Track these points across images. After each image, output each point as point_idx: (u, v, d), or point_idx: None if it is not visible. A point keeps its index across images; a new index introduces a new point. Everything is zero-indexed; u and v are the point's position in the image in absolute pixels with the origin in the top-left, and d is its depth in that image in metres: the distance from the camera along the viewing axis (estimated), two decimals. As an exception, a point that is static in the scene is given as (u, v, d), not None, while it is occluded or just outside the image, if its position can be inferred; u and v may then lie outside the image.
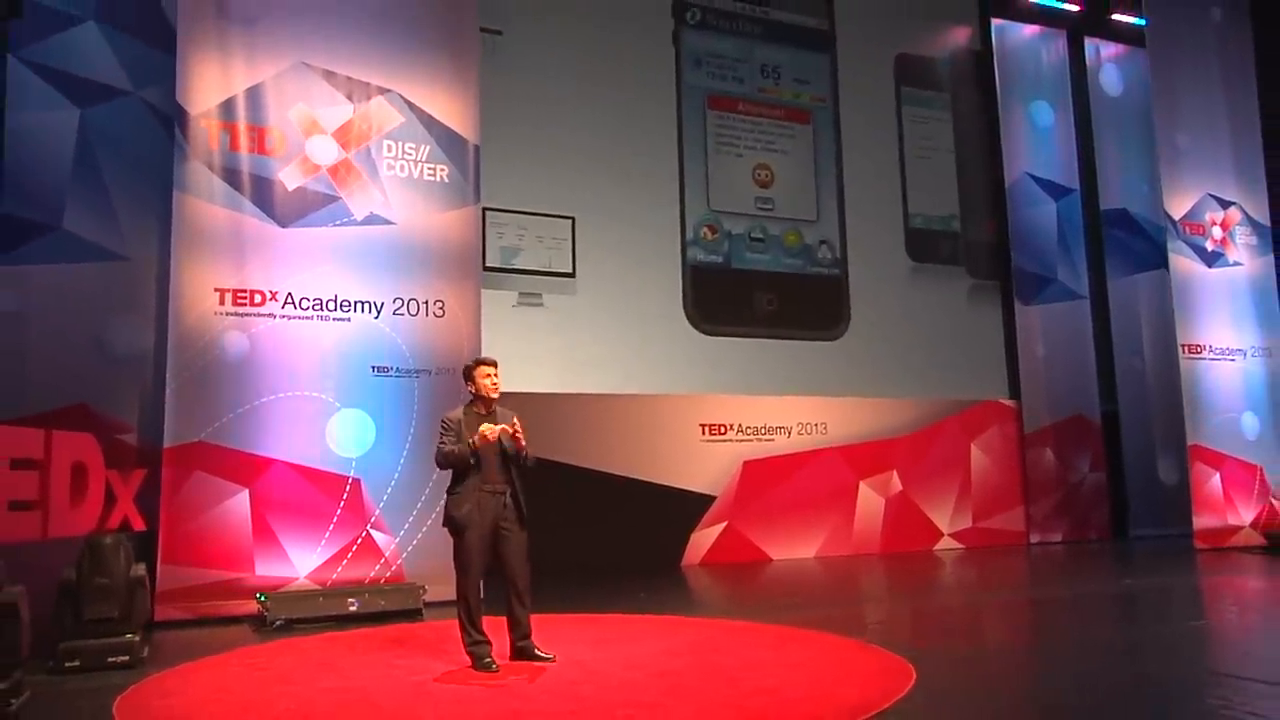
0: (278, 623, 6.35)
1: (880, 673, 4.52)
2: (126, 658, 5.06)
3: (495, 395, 5.03)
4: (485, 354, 7.78)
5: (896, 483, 11.09)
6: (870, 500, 10.94)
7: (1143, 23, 11.76)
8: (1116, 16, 12.58)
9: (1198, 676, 4.65)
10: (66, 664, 4.93)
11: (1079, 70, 12.85)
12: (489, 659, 4.76)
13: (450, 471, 4.96)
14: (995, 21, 12.44)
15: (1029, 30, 12.65)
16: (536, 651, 4.91)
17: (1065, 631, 6.41)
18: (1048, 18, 12.69)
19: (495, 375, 5.06)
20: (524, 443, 4.90)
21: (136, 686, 4.61)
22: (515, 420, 4.94)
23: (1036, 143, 12.49)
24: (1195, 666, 4.89)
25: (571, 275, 9.94)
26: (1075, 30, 12.87)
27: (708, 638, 5.62)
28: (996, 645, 5.85)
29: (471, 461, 4.82)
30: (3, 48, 7.28)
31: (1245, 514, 10.80)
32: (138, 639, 5.20)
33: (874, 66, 11.90)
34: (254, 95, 7.40)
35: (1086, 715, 3.95)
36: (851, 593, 8.24)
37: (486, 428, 4.77)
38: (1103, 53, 12.97)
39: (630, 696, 4.16)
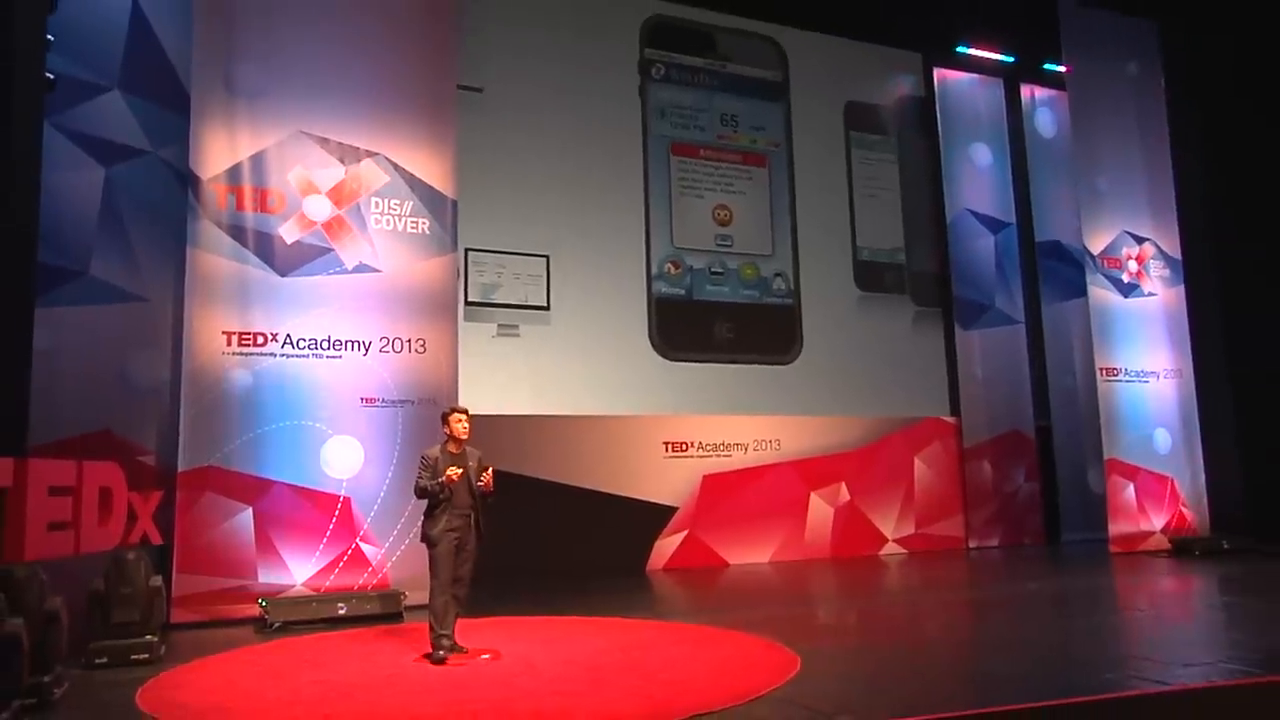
0: (276, 624, 7.04)
1: (772, 666, 5.24)
2: (147, 655, 5.74)
3: (465, 437, 5.82)
4: (466, 381, 8.71)
5: (845, 493, 11.76)
6: (820, 510, 11.62)
7: (1070, 72, 12.47)
8: (1048, 65, 13.25)
9: (1069, 664, 5.34)
10: (96, 661, 5.63)
11: (1015, 114, 13.56)
12: (443, 651, 5.57)
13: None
14: (937, 71, 13.17)
15: (968, 78, 13.36)
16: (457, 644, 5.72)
17: (959, 627, 7.16)
18: (986, 66, 13.40)
19: (465, 421, 5.90)
20: (490, 485, 5.74)
21: (155, 680, 5.32)
22: (489, 471, 5.76)
23: (976, 181, 13.20)
24: (1067, 656, 5.58)
25: (546, 308, 10.64)
26: (1011, 77, 13.57)
27: (642, 637, 6.35)
28: (889, 640, 6.52)
29: (439, 495, 5.64)
30: (40, 116, 7.97)
31: (1156, 521, 11.51)
32: (156, 639, 5.89)
33: (825, 113, 12.61)
34: (258, 161, 8.13)
35: (937, 698, 4.64)
36: (785, 596, 8.92)
37: (452, 470, 5.60)
38: (1037, 98, 13.67)
39: (559, 687, 4.90)
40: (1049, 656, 5.60)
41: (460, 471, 5.62)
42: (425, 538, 5.75)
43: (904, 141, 13.09)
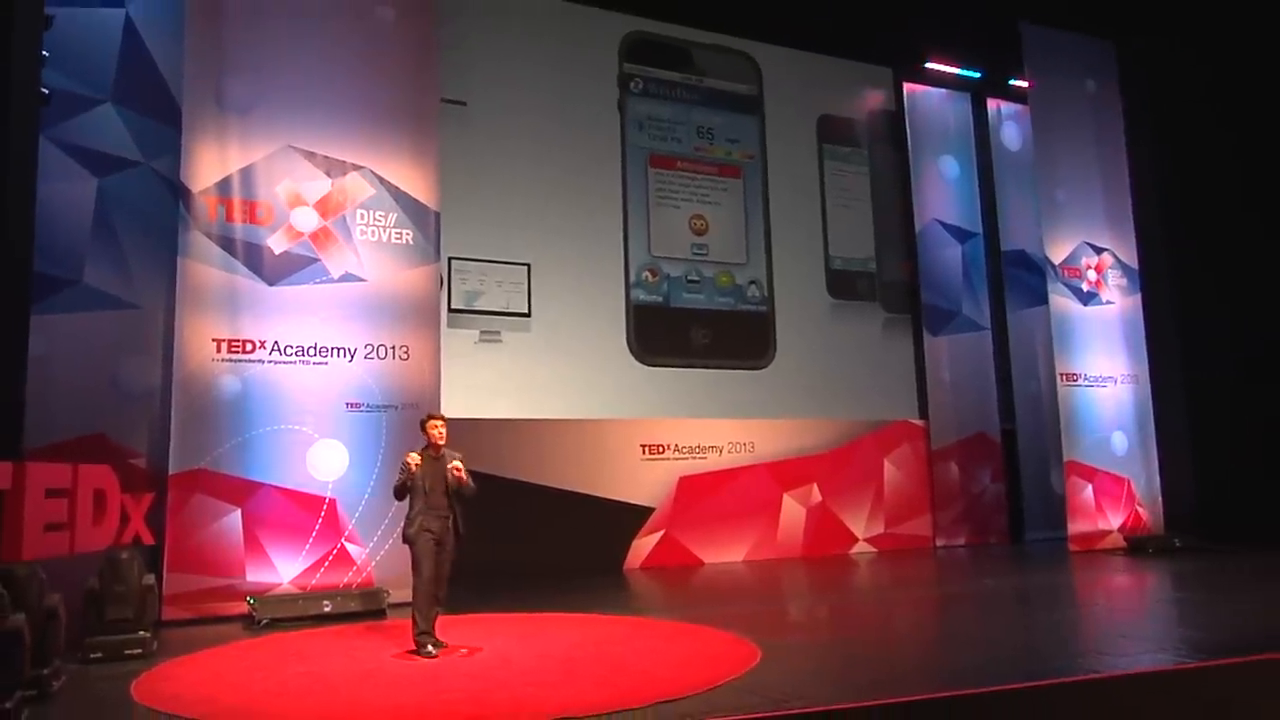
0: (264, 621, 7.23)
1: (735, 657, 5.48)
2: (140, 650, 5.94)
3: (442, 442, 6.06)
4: (450, 386, 8.94)
5: (817, 494, 11.99)
6: (793, 510, 11.86)
7: (1035, 89, 12.79)
8: (1014, 81, 13.54)
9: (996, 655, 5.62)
10: (92, 655, 5.81)
11: (981, 128, 13.85)
12: (430, 647, 5.78)
13: (407, 499, 6.03)
14: (907, 85, 13.44)
15: (937, 93, 13.66)
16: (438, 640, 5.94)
17: (918, 621, 7.43)
18: (954, 82, 13.70)
19: (440, 427, 6.13)
20: (465, 478, 5.97)
21: (149, 673, 5.51)
22: (458, 461, 5.98)
23: (944, 192, 13.49)
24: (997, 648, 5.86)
25: (527, 315, 10.84)
26: (978, 92, 13.87)
27: (615, 632, 6.60)
28: (848, 633, 6.81)
29: (411, 486, 5.90)
30: (36, 129, 8.12)
31: (1114, 520, 11.86)
32: (149, 635, 6.08)
33: (798, 126, 12.88)
34: (247, 174, 8.33)
35: (888, 685, 4.90)
36: (755, 593, 9.15)
37: (411, 457, 5.92)
38: (1003, 112, 13.97)
39: (533, 679, 5.14)
40: (1003, 646, 5.89)
41: (418, 458, 5.90)
42: (404, 536, 6.01)
43: (875, 154, 13.36)
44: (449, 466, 5.97)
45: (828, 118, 13.10)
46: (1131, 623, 7.03)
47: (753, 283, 12.29)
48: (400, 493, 6.01)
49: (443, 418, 6.21)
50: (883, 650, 6.09)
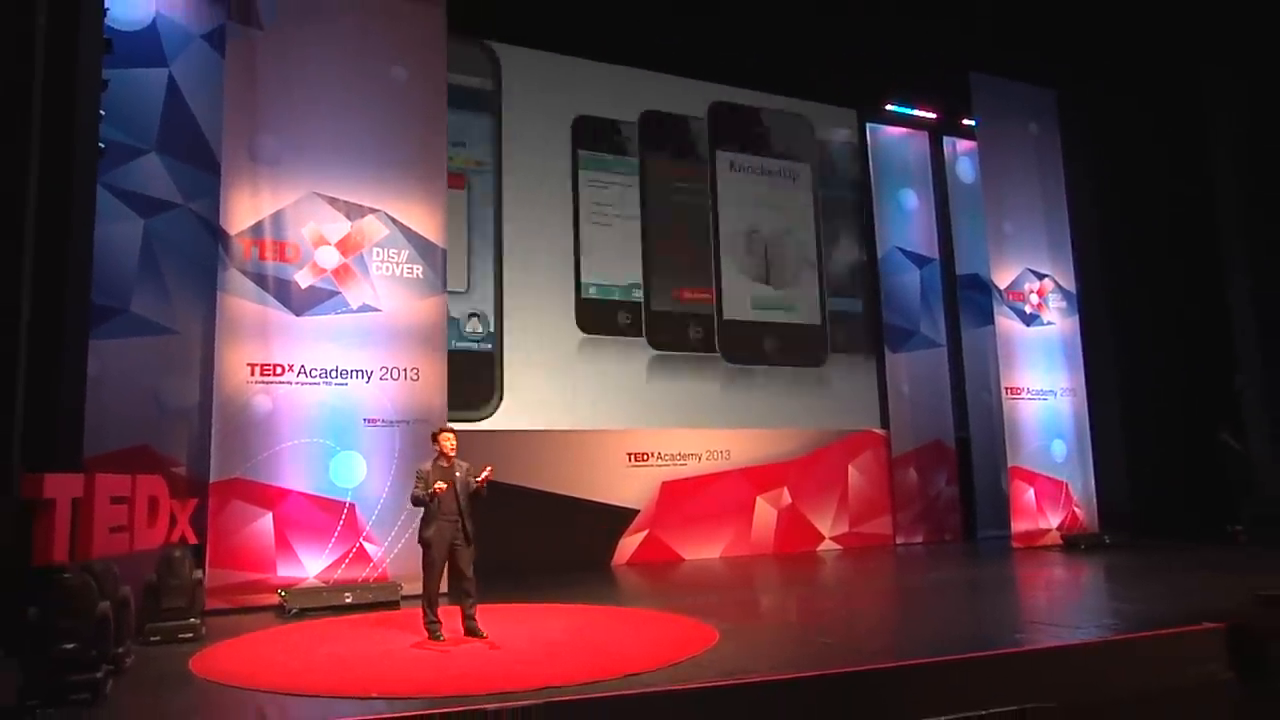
0: (293, 611, 7.93)
1: (696, 639, 6.21)
2: (191, 635, 6.64)
3: (453, 453, 6.66)
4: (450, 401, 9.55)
5: (787, 497, 12.62)
6: (765, 511, 12.51)
7: (986, 129, 13.51)
8: (966, 121, 14.23)
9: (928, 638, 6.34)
10: (151, 639, 6.52)
11: (938, 163, 14.51)
12: (439, 634, 6.48)
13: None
14: (869, 125, 14.14)
15: (897, 131, 14.36)
16: (476, 628, 6.53)
17: (867, 609, 8.15)
18: (912, 121, 14.43)
19: (453, 439, 6.69)
20: (483, 486, 6.54)
21: (201, 653, 6.23)
22: (488, 470, 6.51)
23: (903, 222, 14.16)
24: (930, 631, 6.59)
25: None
26: (935, 131, 14.56)
27: (596, 620, 7.32)
28: (800, 619, 7.52)
29: (429, 504, 6.50)
30: (95, 178, 8.76)
31: (1053, 519, 12.59)
32: (199, 622, 6.79)
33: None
34: (277, 218, 9.04)
35: (825, 661, 5.62)
36: (725, 585, 9.81)
37: (439, 484, 6.43)
38: (958, 148, 14.68)
39: (521, 657, 5.87)
40: (939, 627, 6.60)
41: (445, 485, 6.44)
42: (420, 540, 6.61)
43: (841, 187, 14.05)
44: (466, 488, 6.49)
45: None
46: (1042, 607, 7.76)
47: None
48: (417, 502, 6.56)
49: (454, 430, 6.79)
50: (830, 633, 6.78)
